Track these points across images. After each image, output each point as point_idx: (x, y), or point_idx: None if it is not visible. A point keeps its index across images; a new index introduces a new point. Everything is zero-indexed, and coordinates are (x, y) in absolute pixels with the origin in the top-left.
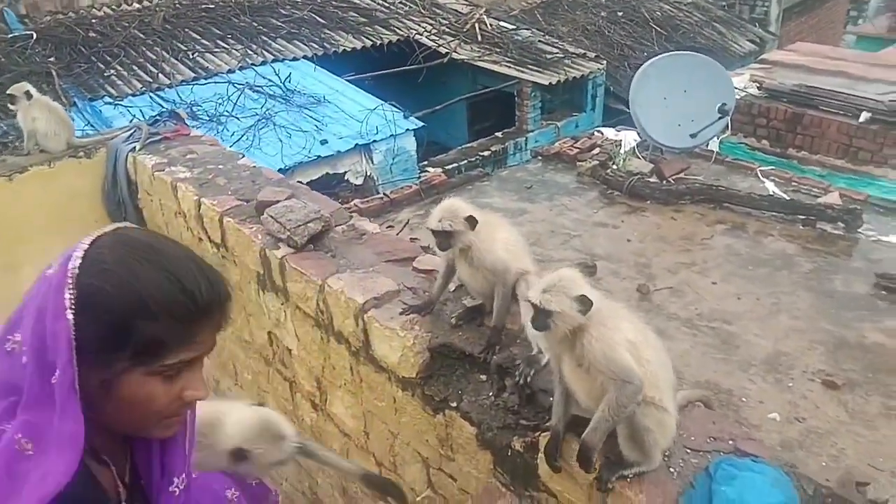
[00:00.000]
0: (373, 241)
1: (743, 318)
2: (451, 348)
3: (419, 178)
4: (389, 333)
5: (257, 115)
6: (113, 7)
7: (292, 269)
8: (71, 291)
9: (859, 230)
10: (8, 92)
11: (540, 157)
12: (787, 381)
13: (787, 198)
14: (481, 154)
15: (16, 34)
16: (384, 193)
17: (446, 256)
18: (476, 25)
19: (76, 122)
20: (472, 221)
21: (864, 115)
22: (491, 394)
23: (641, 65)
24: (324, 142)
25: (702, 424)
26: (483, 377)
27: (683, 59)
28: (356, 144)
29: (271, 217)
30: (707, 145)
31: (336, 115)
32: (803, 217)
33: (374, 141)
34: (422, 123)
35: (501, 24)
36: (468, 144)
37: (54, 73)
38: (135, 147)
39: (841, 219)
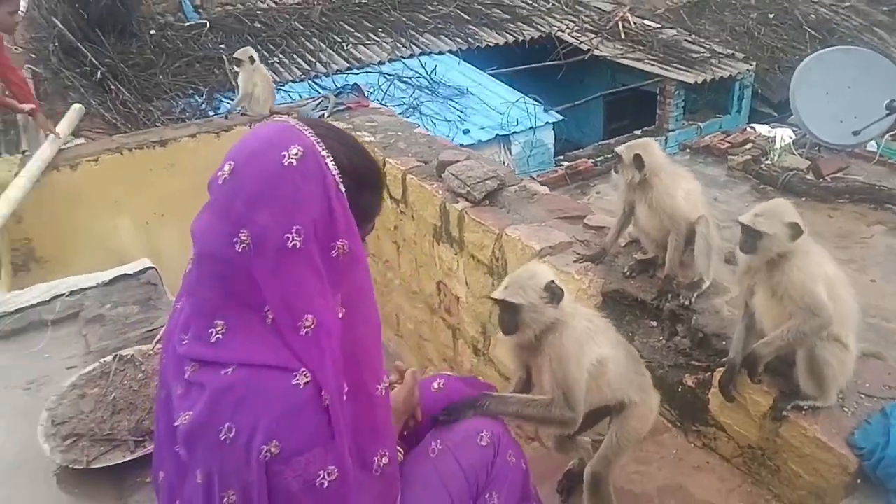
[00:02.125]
0: (544, 200)
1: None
2: (623, 295)
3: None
4: (565, 277)
5: (405, 104)
6: (276, 1)
7: (471, 220)
8: (335, 171)
9: None
10: (234, 55)
11: (689, 150)
12: None
13: None
14: (616, 152)
15: (191, 22)
16: (531, 176)
17: (625, 200)
18: (620, 23)
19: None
20: (638, 161)
21: None
22: (662, 338)
23: (793, 68)
24: (466, 131)
25: (877, 374)
26: (654, 323)
27: (849, 53)
28: (497, 135)
29: (452, 174)
30: (866, 146)
31: (478, 107)
32: None
33: (514, 132)
34: (561, 117)
35: (646, 22)
36: (604, 141)
37: (225, 58)
38: (323, 114)
39: None
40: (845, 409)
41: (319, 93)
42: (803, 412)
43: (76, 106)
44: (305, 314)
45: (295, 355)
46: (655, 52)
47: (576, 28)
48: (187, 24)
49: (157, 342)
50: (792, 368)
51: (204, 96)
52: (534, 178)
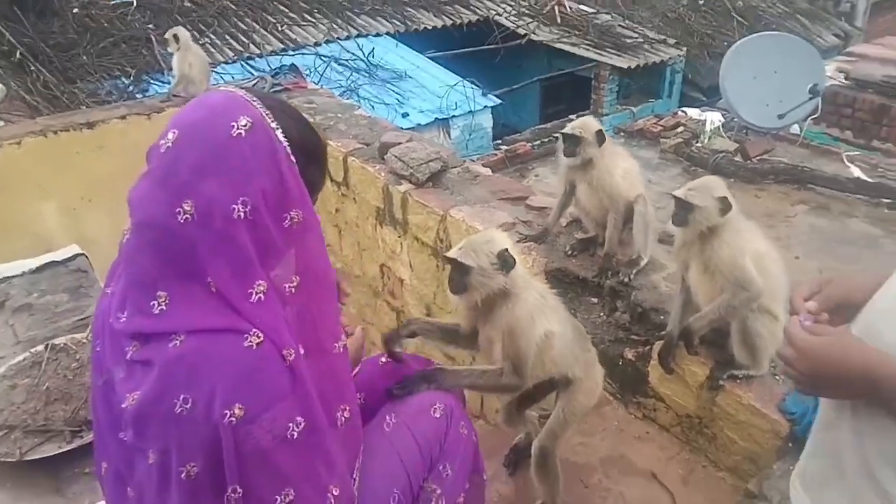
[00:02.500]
0: (486, 182)
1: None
2: (565, 273)
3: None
4: None
5: (343, 87)
6: None
7: (415, 202)
8: (285, 142)
9: None
10: (165, 36)
11: (623, 134)
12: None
13: (873, 182)
14: (554, 135)
15: (117, 1)
16: (471, 159)
17: (566, 179)
18: (556, 8)
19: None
20: (600, 136)
21: None
22: (603, 314)
23: (722, 54)
24: (405, 115)
25: None
26: (594, 300)
27: (775, 39)
28: (436, 119)
29: (395, 156)
30: (791, 129)
31: (417, 90)
32: (888, 200)
33: (453, 116)
34: (499, 101)
35: (581, 7)
36: (541, 126)
37: (153, 38)
38: None
39: None
40: (776, 377)
41: (253, 74)
42: (738, 381)
43: None
44: (256, 281)
45: (244, 318)
46: (590, 37)
47: (513, 12)
48: (112, 2)
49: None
50: (727, 339)
51: (131, 78)
52: (473, 161)
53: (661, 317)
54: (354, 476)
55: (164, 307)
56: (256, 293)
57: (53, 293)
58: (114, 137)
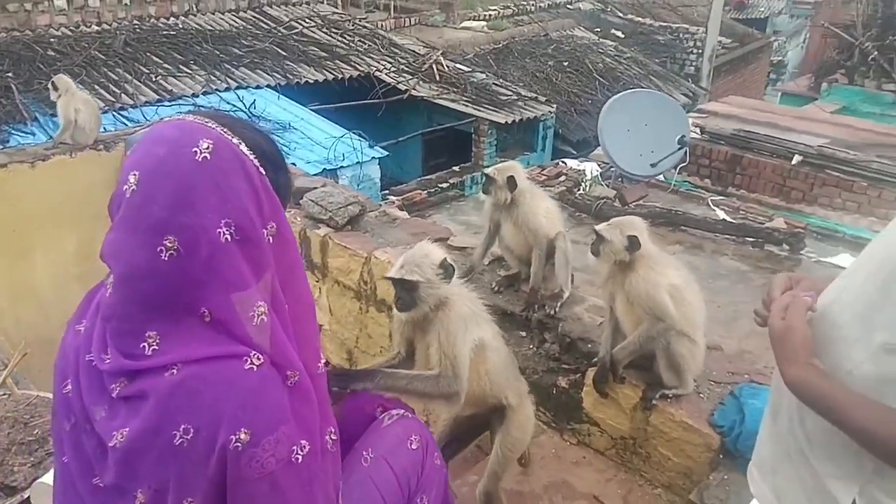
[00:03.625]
0: (406, 225)
1: (708, 321)
2: (493, 309)
3: (382, 203)
4: None
5: None
6: (71, 28)
7: (335, 245)
8: (251, 156)
9: (802, 252)
10: (52, 80)
11: None
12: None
13: (738, 223)
14: (440, 186)
15: None
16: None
17: (490, 220)
18: (434, 66)
19: (38, 137)
20: (511, 183)
21: (797, 158)
22: (532, 346)
23: (587, 111)
24: (293, 164)
25: (719, 363)
26: (523, 333)
27: (645, 95)
28: (324, 169)
29: (311, 200)
30: (658, 177)
31: (302, 141)
32: (752, 239)
33: (341, 167)
34: (386, 153)
35: (458, 66)
36: (425, 177)
37: (14, 87)
38: None
39: (786, 241)
40: (701, 395)
41: (127, 125)
42: (668, 400)
43: None
44: (256, 302)
45: (241, 342)
46: (468, 93)
47: (393, 69)
48: None
49: (0, 384)
50: (654, 363)
51: None
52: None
53: (589, 345)
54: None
55: (156, 346)
56: (258, 315)
57: None
58: None
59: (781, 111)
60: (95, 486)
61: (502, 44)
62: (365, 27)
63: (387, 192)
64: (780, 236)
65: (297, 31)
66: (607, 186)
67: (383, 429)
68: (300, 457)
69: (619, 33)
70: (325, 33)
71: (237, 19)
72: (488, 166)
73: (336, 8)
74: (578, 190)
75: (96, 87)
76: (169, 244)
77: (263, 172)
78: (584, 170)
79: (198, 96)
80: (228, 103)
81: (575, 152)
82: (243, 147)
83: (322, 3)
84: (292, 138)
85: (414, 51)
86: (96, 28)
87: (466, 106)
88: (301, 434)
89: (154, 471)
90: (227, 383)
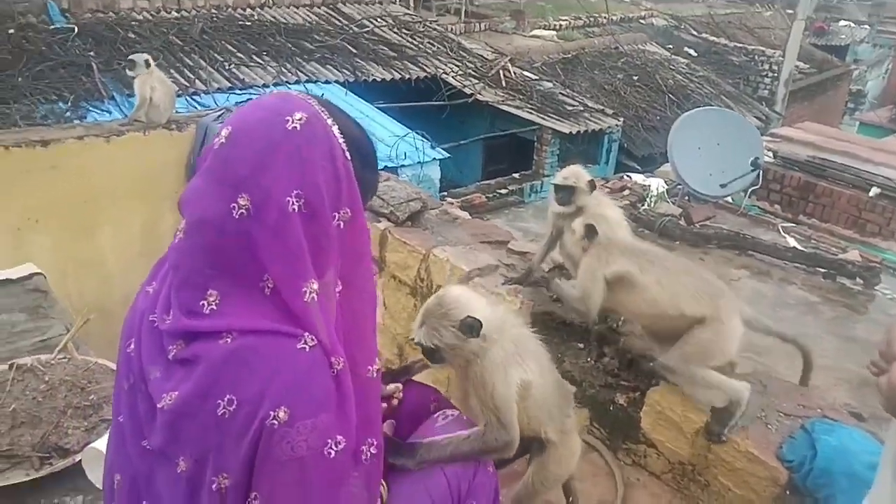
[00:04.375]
0: (467, 225)
1: (772, 353)
2: (552, 317)
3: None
4: (497, 298)
5: None
6: (152, 13)
7: (395, 240)
8: (341, 140)
9: (876, 287)
10: (129, 58)
11: None
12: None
13: (809, 252)
14: (499, 192)
15: (57, 26)
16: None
17: (554, 225)
18: (501, 72)
19: (115, 115)
20: (591, 185)
21: (875, 190)
22: (590, 359)
23: (655, 127)
24: None
25: (790, 395)
26: (581, 345)
27: (719, 114)
28: (385, 167)
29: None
30: (727, 199)
31: None
32: (824, 270)
33: (402, 166)
34: (447, 155)
35: (525, 73)
36: (484, 182)
37: (94, 66)
38: None
39: (860, 275)
40: (769, 427)
41: (197, 108)
42: (733, 427)
43: None
44: (309, 279)
45: (297, 322)
46: (534, 101)
47: (459, 72)
48: (52, 27)
49: (59, 351)
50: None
51: (69, 103)
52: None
53: (650, 364)
54: None
55: (214, 306)
56: (310, 292)
57: (9, 312)
58: (69, 158)
59: (859, 141)
60: (144, 448)
61: (571, 54)
62: (435, 30)
63: (444, 193)
64: (854, 269)
65: (368, 29)
66: (673, 204)
67: (437, 428)
68: (333, 452)
69: (691, 51)
70: (396, 33)
71: (311, 14)
72: (549, 175)
73: (408, 9)
74: (643, 205)
75: (172, 70)
76: (242, 202)
77: (349, 159)
78: (649, 185)
79: (268, 87)
80: None
81: (639, 168)
82: (335, 129)
83: (394, 3)
84: None
85: (482, 56)
86: (175, 14)
87: (531, 113)
88: (339, 429)
89: (196, 438)
90: (278, 360)
